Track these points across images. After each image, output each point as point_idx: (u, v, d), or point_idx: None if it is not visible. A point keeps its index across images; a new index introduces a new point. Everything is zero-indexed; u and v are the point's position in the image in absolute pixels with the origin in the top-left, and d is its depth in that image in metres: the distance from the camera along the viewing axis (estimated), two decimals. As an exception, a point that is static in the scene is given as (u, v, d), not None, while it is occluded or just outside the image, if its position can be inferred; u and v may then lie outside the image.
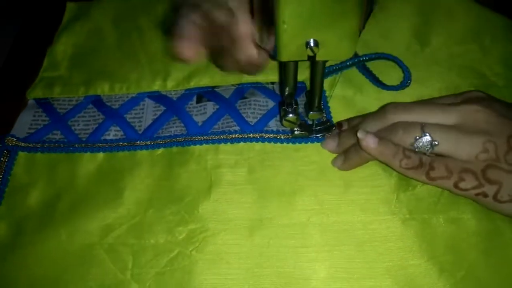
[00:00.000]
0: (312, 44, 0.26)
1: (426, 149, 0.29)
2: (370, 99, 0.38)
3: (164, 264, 0.32)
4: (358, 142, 0.31)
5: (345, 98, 0.39)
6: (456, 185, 0.29)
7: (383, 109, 0.33)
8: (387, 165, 0.32)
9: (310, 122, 0.36)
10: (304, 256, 0.32)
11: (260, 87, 0.40)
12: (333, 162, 0.35)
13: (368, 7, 0.27)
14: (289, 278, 0.31)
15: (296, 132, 0.36)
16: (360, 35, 0.27)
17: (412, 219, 0.32)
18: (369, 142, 0.30)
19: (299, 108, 0.34)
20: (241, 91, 0.40)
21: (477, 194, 0.29)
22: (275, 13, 0.25)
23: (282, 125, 0.35)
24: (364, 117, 0.35)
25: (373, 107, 0.37)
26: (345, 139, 0.34)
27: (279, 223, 0.33)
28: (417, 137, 0.29)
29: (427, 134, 0.29)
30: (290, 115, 0.33)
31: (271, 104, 0.39)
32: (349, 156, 0.33)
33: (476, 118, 0.29)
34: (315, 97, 0.33)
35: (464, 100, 0.32)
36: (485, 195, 0.28)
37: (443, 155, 0.30)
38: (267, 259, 0.32)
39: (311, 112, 0.34)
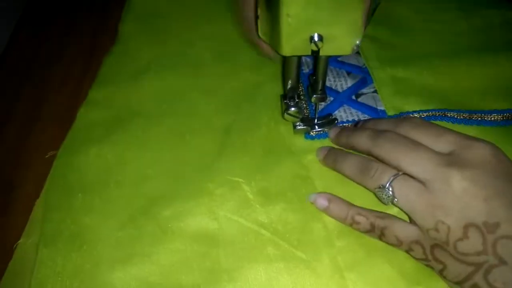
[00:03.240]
0: (316, 39, 0.26)
1: (385, 201, 0.27)
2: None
3: None
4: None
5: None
6: (408, 252, 0.28)
7: (392, 126, 0.30)
8: None
9: (312, 112, 0.36)
10: None
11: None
12: (319, 152, 0.33)
13: (373, 3, 0.27)
14: None
15: (298, 127, 0.35)
16: (365, 31, 0.27)
17: None
18: (319, 203, 0.30)
19: (302, 102, 0.34)
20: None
21: (427, 265, 0.27)
22: (279, 5, 0.25)
23: (284, 118, 0.35)
24: (375, 122, 0.32)
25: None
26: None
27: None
28: (381, 186, 0.27)
29: (390, 189, 0.27)
30: (292, 108, 0.33)
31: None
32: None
33: (452, 188, 0.25)
34: (319, 81, 0.32)
35: (464, 154, 0.26)
36: (432, 269, 0.27)
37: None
38: None
39: (314, 96, 0.33)
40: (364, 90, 0.38)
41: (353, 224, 0.28)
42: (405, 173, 0.27)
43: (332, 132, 0.34)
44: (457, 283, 0.25)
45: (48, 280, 0.28)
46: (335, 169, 0.32)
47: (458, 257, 0.24)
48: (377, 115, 0.36)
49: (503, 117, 0.35)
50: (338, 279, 0.27)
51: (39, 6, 0.53)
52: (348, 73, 0.39)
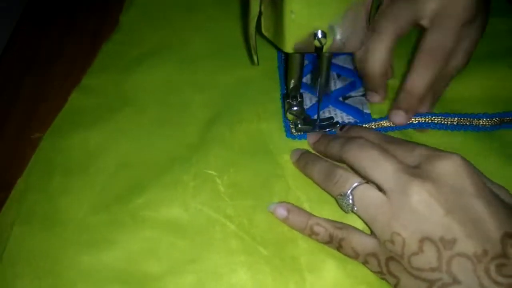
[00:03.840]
0: (320, 35, 0.26)
1: (345, 209, 0.27)
2: None
3: None
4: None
5: None
6: (364, 265, 0.27)
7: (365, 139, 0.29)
8: None
9: (314, 116, 0.36)
10: None
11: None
12: (293, 154, 0.33)
13: (375, 1, 0.27)
14: None
15: (300, 127, 0.35)
16: (369, 28, 0.27)
17: None
18: (278, 213, 0.29)
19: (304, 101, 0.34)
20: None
21: (382, 279, 0.26)
22: (282, 2, 0.25)
23: (286, 118, 0.35)
24: (359, 131, 0.32)
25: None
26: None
27: None
28: (342, 194, 0.27)
29: (351, 197, 0.27)
30: (295, 108, 0.33)
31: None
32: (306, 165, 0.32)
33: (411, 200, 0.24)
34: (323, 74, 0.31)
35: (428, 168, 0.25)
36: (387, 282, 0.26)
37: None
38: None
39: (319, 88, 0.32)
40: (353, 93, 0.38)
41: (312, 235, 0.28)
42: (368, 182, 0.27)
43: (311, 139, 0.34)
44: None
45: (18, 259, 0.28)
46: (305, 173, 0.32)
47: (412, 272, 0.24)
48: (362, 117, 0.36)
49: (491, 122, 0.34)
50: (298, 279, 0.27)
51: (39, 6, 0.53)
52: (338, 76, 0.39)
